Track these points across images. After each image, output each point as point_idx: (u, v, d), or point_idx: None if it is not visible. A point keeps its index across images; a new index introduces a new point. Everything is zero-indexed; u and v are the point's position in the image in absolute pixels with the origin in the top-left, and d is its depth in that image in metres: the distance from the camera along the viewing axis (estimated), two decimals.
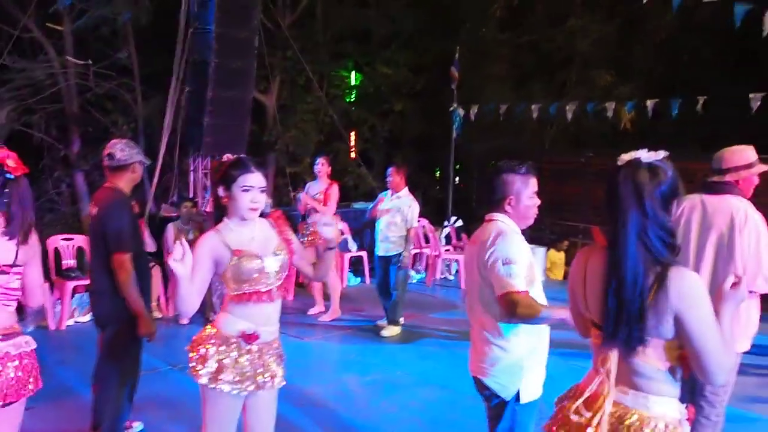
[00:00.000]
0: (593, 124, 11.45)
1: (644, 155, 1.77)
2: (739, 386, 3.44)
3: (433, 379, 5.06)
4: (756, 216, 3.20)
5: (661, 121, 10.00)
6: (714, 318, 1.70)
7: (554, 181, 10.65)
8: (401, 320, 6.40)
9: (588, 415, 1.81)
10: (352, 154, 12.62)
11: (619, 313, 1.71)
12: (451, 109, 10.21)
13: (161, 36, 8.73)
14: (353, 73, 13.62)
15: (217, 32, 7.16)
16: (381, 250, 6.31)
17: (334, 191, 6.66)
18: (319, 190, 6.68)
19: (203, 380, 2.46)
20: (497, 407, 2.59)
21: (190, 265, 2.25)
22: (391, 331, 6.27)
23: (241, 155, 2.62)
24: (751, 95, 7.41)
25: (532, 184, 2.65)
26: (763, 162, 3.37)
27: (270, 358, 2.57)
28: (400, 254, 6.19)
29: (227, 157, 2.61)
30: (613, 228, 1.76)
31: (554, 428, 1.94)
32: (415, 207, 6.24)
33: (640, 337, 1.71)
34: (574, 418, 1.85)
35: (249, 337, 2.49)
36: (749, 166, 3.30)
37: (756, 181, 3.36)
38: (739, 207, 3.21)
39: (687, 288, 1.68)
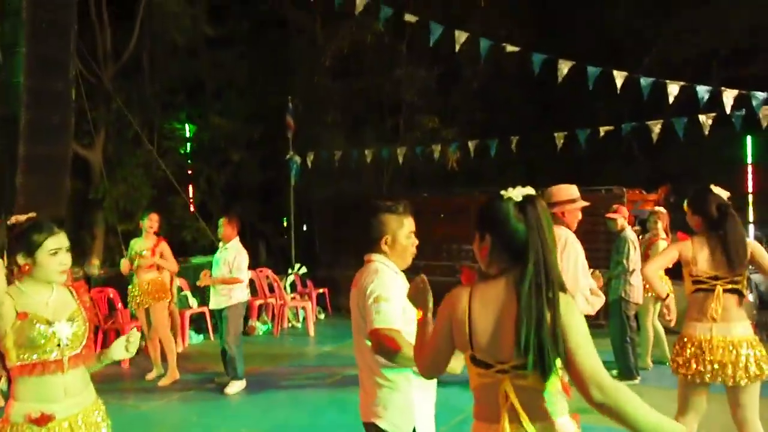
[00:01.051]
0: (425, 166, 12.09)
1: (515, 192, 1.88)
2: None
3: (281, 431, 4.94)
4: (576, 244, 3.70)
5: (484, 162, 10.82)
6: (588, 335, 1.83)
7: None
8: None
9: None
10: (191, 208, 12.21)
11: (538, 344, 1.75)
12: (287, 157, 10.29)
13: None
14: (186, 125, 13.28)
15: (28, 85, 6.67)
16: (212, 303, 6.14)
17: (166, 248, 6.40)
18: (146, 247, 6.36)
19: None
20: None
21: None
22: (234, 387, 6.03)
23: (33, 217, 2.41)
24: (555, 134, 8.26)
25: (408, 223, 2.64)
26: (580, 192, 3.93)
27: (84, 427, 2.37)
28: (231, 306, 6.04)
29: (16, 218, 2.41)
30: (519, 264, 1.81)
31: None
32: (241, 256, 6.14)
33: (551, 364, 1.77)
34: None
35: (39, 420, 2.27)
36: (572, 201, 3.86)
37: (578, 215, 3.90)
38: (560, 235, 3.63)
39: (569, 309, 1.82)
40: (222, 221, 6.28)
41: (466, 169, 12.36)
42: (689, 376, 3.35)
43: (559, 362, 1.80)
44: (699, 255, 3.39)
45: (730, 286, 3.36)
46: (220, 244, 6.34)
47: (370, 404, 2.53)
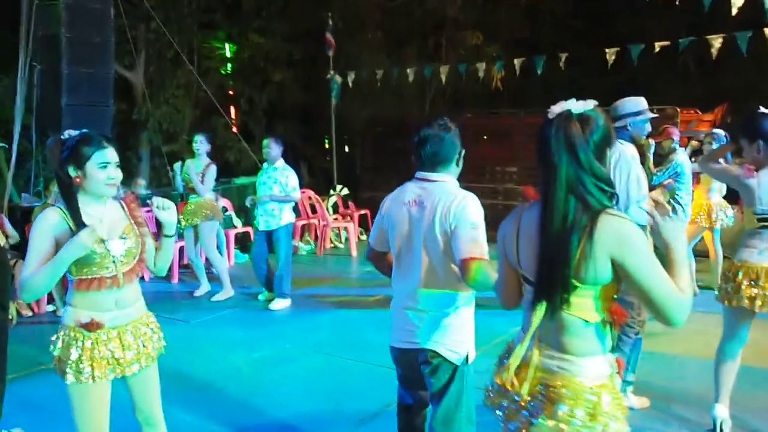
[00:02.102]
0: (468, 85, 11.75)
1: (574, 105, 1.74)
2: None
3: (323, 348, 5.08)
4: (629, 158, 3.59)
5: (530, 81, 10.43)
6: (653, 259, 1.68)
7: None
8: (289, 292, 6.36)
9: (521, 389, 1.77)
10: (233, 129, 12.25)
11: (550, 263, 1.70)
12: (328, 76, 10.11)
13: (1, 10, 7.97)
14: (227, 44, 13.12)
15: (66, 3, 6.62)
16: (261, 224, 6.22)
17: (210, 171, 6.45)
18: (199, 171, 6.44)
19: (64, 378, 2.38)
20: (444, 374, 2.52)
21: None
22: (280, 304, 6.21)
23: (85, 130, 2.43)
24: (606, 50, 7.86)
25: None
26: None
27: (132, 338, 2.46)
28: (283, 227, 6.14)
29: (69, 133, 2.43)
30: (545, 182, 1.72)
31: (493, 397, 1.91)
32: (294, 176, 6.17)
33: (566, 285, 1.68)
34: (509, 390, 1.81)
35: (89, 326, 2.36)
36: (638, 113, 3.78)
37: (646, 127, 3.87)
38: (613, 151, 3.48)
39: (619, 232, 1.67)
40: (267, 141, 6.26)
41: (511, 89, 12.00)
42: (739, 304, 3.25)
43: (587, 295, 1.70)
44: (764, 191, 3.21)
45: None
46: (265, 164, 6.34)
47: (425, 330, 2.50)
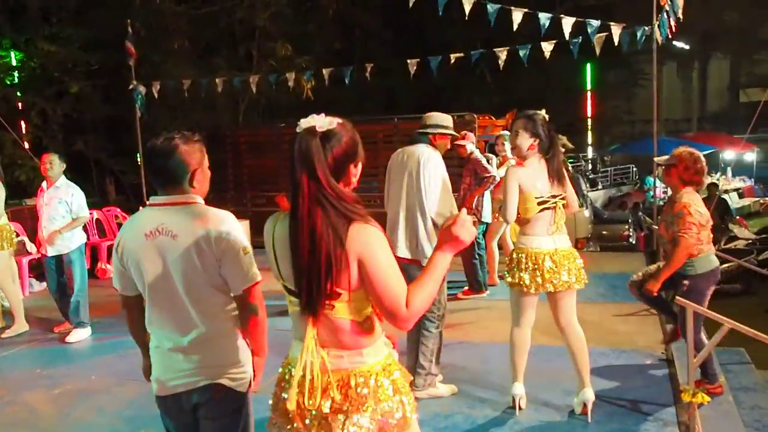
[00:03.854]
0: (281, 96, 11.76)
1: (319, 122, 1.77)
2: None
3: (135, 375, 4.75)
4: (438, 162, 3.94)
5: (342, 91, 10.69)
6: (391, 264, 1.76)
7: (251, 154, 10.72)
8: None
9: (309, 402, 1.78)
10: (25, 144, 11.08)
11: (307, 275, 1.73)
12: (131, 86, 9.55)
13: None
14: (12, 52, 11.85)
15: None
16: (51, 250, 5.66)
17: None
18: None
19: None
20: (232, 403, 2.26)
21: None
22: (78, 335, 5.71)
23: None
24: (408, 60, 8.30)
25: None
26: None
27: None
28: (75, 250, 5.65)
29: None
30: (293, 195, 1.76)
31: (277, 420, 1.88)
32: (79, 193, 5.69)
33: (321, 293, 1.73)
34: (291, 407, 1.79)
35: None
36: (444, 127, 4.10)
37: (447, 143, 4.18)
38: (424, 151, 3.95)
39: (365, 238, 1.73)
40: (44, 158, 5.64)
41: (323, 99, 12.18)
42: (524, 288, 3.59)
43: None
44: (539, 179, 3.58)
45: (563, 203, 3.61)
46: (43, 184, 5.78)
47: (213, 363, 2.24)
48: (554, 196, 3.57)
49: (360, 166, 1.87)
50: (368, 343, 1.86)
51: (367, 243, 1.74)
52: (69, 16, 11.50)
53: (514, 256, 3.65)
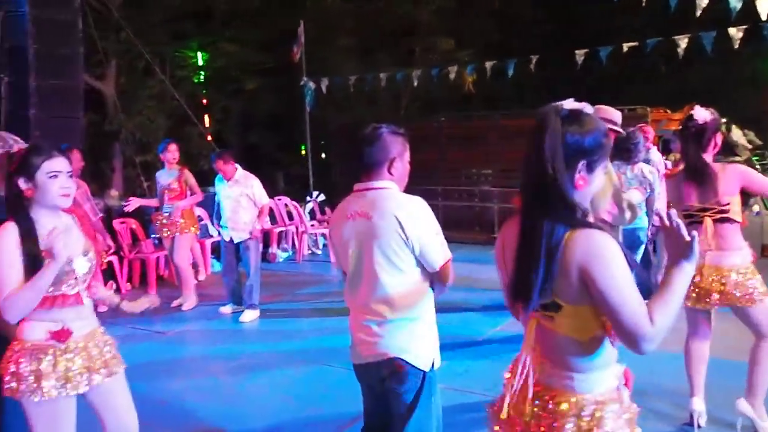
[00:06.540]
0: (441, 90, 11.82)
1: (567, 104, 1.62)
2: None
3: (302, 356, 5.05)
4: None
5: (502, 84, 10.52)
6: (627, 277, 1.54)
7: (411, 147, 10.87)
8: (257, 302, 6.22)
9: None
10: (208, 137, 12.18)
11: (526, 278, 1.58)
12: (302, 83, 10.11)
13: None
14: (199, 53, 13.06)
15: (33, 14, 6.54)
16: (234, 236, 6.08)
17: (190, 177, 6.41)
18: (172, 179, 6.37)
19: (24, 397, 2.28)
20: (412, 381, 2.40)
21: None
22: (250, 315, 6.09)
23: (36, 141, 2.40)
24: (576, 52, 7.97)
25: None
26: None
27: (95, 348, 2.43)
28: (251, 238, 6.06)
29: (18, 146, 2.38)
30: (523, 193, 1.63)
31: (495, 408, 1.78)
32: (258, 183, 6.08)
33: (542, 301, 1.58)
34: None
35: (59, 334, 2.32)
36: (613, 122, 3.86)
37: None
38: None
39: (591, 247, 1.53)
40: (217, 163, 6.04)
41: (483, 93, 12.12)
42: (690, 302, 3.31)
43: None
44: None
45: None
46: (224, 180, 6.15)
47: (388, 339, 2.40)
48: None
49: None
50: (585, 368, 1.64)
51: (593, 250, 1.53)
52: (248, 18, 12.40)
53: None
